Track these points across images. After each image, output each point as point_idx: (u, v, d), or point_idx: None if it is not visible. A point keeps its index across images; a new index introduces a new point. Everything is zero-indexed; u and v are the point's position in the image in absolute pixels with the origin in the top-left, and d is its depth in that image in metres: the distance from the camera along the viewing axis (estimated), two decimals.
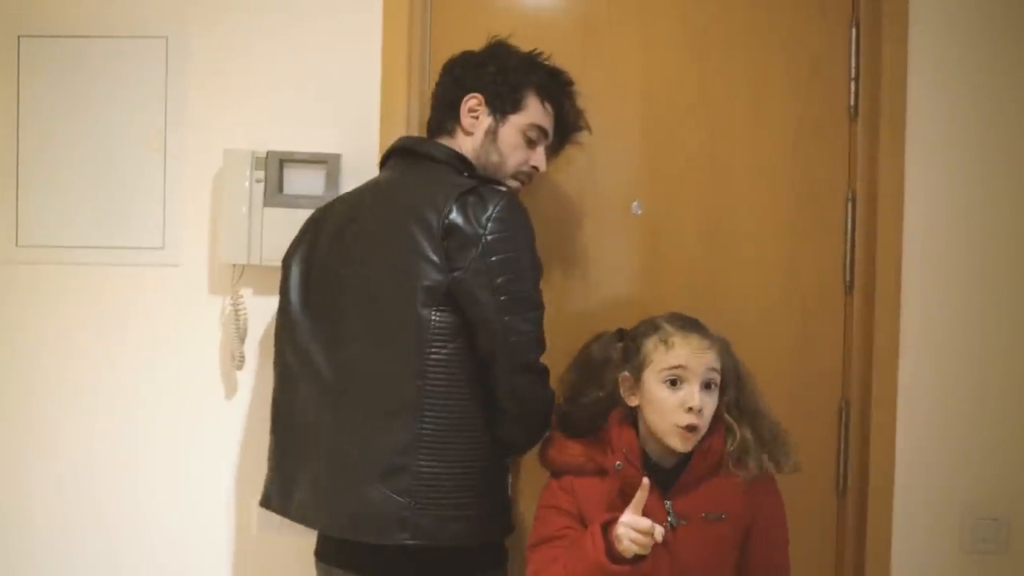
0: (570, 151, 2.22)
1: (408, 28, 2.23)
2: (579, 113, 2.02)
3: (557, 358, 1.90)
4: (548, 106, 1.93)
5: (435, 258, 1.70)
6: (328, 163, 2.18)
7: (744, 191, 2.28)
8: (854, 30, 2.26)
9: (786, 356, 2.27)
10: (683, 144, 2.28)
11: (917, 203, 2.19)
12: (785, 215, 2.28)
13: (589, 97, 2.11)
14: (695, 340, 1.76)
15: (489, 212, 1.71)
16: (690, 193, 2.28)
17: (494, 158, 1.88)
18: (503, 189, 1.81)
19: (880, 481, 2.19)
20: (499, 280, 1.71)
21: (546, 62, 1.96)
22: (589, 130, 2.04)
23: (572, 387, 1.89)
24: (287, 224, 2.10)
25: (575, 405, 1.85)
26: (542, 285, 1.82)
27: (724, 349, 1.82)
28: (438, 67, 2.03)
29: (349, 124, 2.23)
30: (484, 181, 1.83)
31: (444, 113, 1.94)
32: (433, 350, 1.71)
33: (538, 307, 1.80)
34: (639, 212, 2.28)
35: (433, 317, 1.71)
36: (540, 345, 1.82)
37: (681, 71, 2.28)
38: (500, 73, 1.90)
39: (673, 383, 1.73)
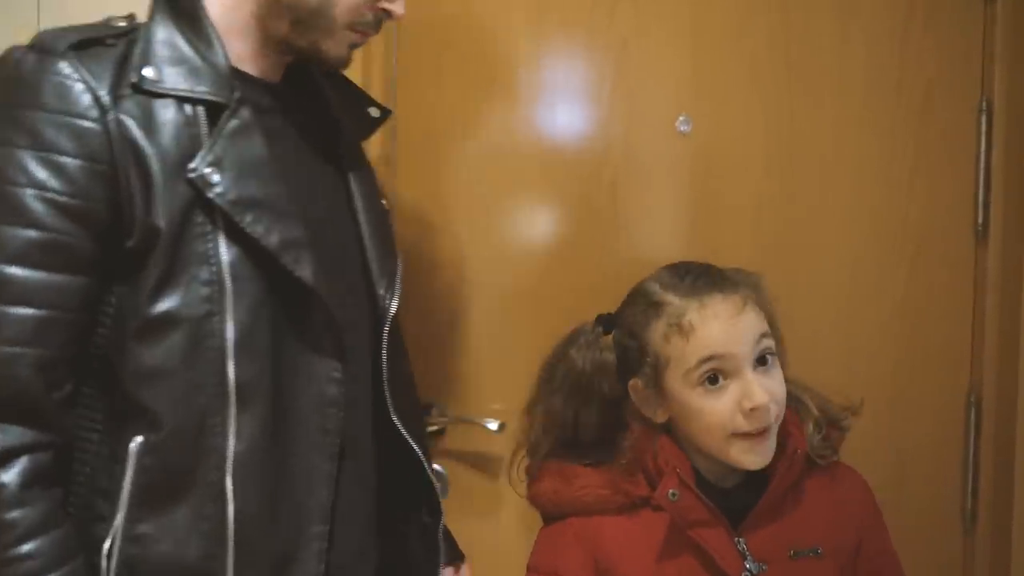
0: (592, 44, 1.64)
1: None
2: None
3: None
4: None
5: None
6: None
7: (830, 100, 1.68)
8: None
9: (890, 330, 1.68)
10: (746, 37, 1.68)
11: None
12: (889, 131, 1.68)
13: None
14: (719, 304, 1.21)
15: None
16: (755, 103, 1.69)
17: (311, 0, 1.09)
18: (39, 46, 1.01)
19: None
20: None
21: None
22: None
23: (555, 420, 1.34)
24: None
25: (573, 429, 1.32)
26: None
27: (759, 290, 1.27)
28: None
29: None
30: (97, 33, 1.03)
31: None
32: None
33: None
34: (687, 130, 1.68)
35: None
36: None
37: None
38: None
39: (713, 380, 1.20)
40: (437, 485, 1.28)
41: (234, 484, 1.01)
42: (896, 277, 1.67)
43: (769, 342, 1.21)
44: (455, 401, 1.72)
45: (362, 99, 1.29)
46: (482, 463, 1.71)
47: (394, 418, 1.20)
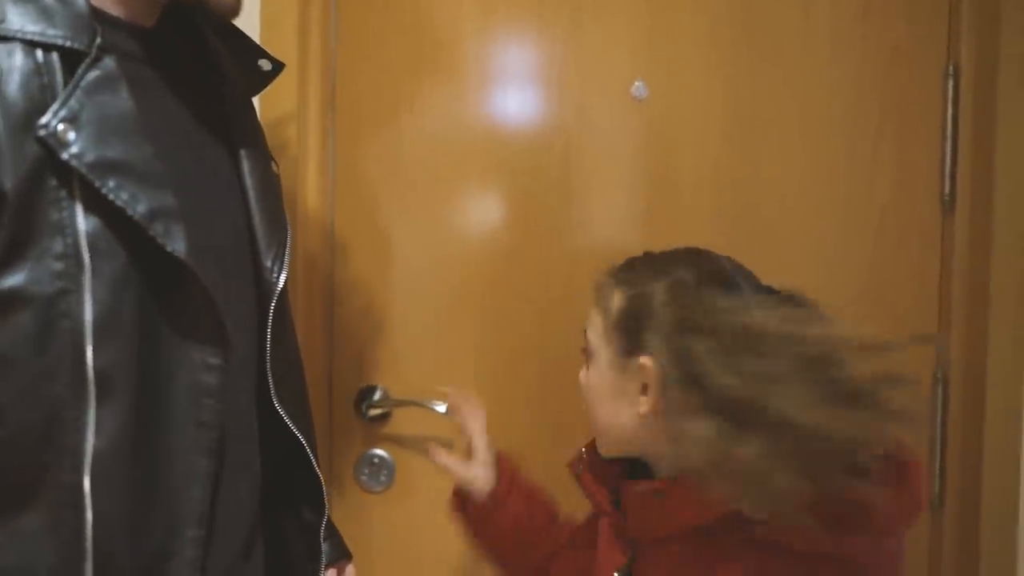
0: (542, 6, 1.58)
1: None
2: None
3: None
4: None
5: None
6: None
7: (793, 64, 1.58)
8: None
9: (855, 302, 1.58)
10: None
11: None
12: (853, 98, 1.58)
13: None
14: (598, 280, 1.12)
15: None
16: (715, 68, 1.59)
17: None
18: None
19: (998, 489, 1.51)
20: None
21: None
22: None
23: None
24: None
25: None
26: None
27: (612, 297, 1.08)
28: None
29: None
30: None
31: None
32: None
33: None
34: (643, 96, 1.58)
35: None
36: None
37: None
38: None
39: None
40: (322, 480, 1.16)
41: (93, 486, 0.88)
42: (861, 248, 1.57)
43: (588, 339, 1.10)
44: (400, 384, 1.62)
45: (252, 50, 1.15)
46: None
47: (277, 406, 1.09)
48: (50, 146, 0.85)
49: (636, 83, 1.58)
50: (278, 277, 1.09)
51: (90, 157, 0.86)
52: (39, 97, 0.86)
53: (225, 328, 0.97)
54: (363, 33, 1.60)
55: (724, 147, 1.58)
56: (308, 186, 1.58)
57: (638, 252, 1.14)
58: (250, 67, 1.15)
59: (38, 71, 0.86)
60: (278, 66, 1.17)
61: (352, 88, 1.61)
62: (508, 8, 1.59)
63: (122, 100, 0.90)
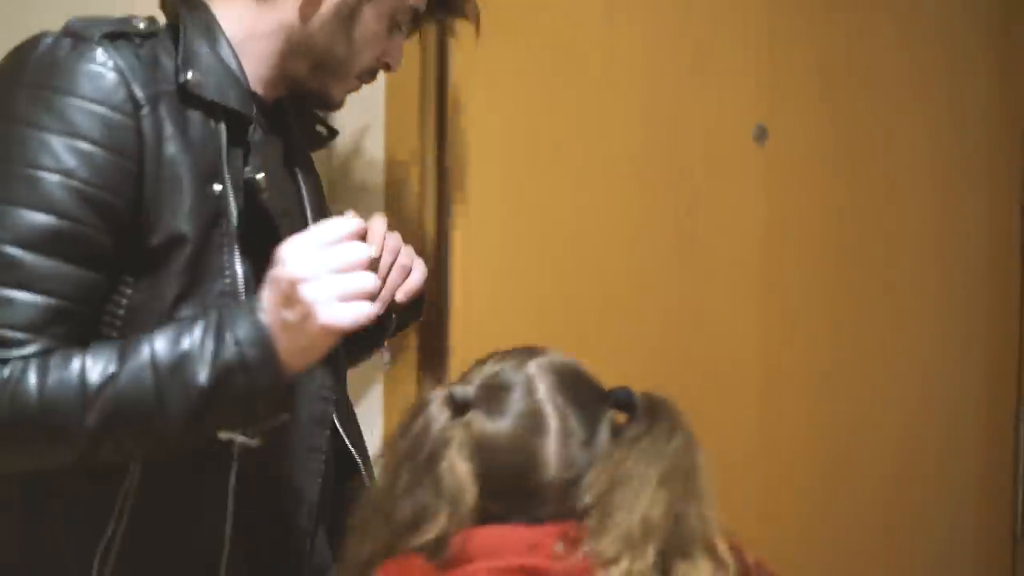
0: (657, 50, 1.58)
1: None
2: None
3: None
4: None
5: None
6: None
7: (902, 107, 1.68)
8: None
9: (937, 340, 1.69)
10: (816, 40, 1.64)
11: None
12: (945, 143, 1.69)
13: None
14: None
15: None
16: (826, 111, 1.65)
17: (340, 50, 1.12)
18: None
19: None
20: None
21: None
22: (477, 25, 1.33)
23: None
24: None
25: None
26: None
27: None
28: None
29: None
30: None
31: None
32: None
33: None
34: (764, 140, 1.62)
35: None
36: None
37: None
38: None
39: None
40: None
41: (235, 503, 0.98)
42: (950, 287, 1.68)
43: None
44: None
45: (313, 117, 1.26)
46: None
47: (340, 429, 1.16)
48: (255, 188, 1.00)
49: (757, 127, 1.61)
50: None
51: (276, 203, 1.02)
52: (211, 157, 0.99)
53: (336, 362, 1.09)
54: (484, 78, 1.55)
55: (841, 193, 1.64)
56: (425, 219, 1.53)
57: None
58: (311, 131, 1.26)
59: (212, 134, 1.00)
60: (333, 133, 1.28)
61: (473, 131, 1.55)
62: (631, 57, 1.57)
63: (272, 161, 1.06)
